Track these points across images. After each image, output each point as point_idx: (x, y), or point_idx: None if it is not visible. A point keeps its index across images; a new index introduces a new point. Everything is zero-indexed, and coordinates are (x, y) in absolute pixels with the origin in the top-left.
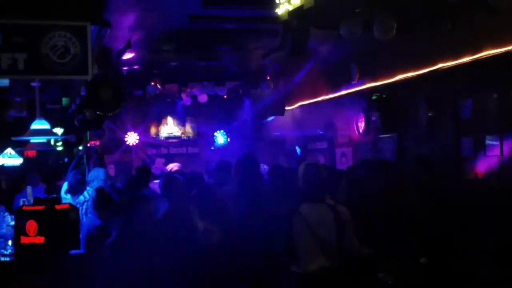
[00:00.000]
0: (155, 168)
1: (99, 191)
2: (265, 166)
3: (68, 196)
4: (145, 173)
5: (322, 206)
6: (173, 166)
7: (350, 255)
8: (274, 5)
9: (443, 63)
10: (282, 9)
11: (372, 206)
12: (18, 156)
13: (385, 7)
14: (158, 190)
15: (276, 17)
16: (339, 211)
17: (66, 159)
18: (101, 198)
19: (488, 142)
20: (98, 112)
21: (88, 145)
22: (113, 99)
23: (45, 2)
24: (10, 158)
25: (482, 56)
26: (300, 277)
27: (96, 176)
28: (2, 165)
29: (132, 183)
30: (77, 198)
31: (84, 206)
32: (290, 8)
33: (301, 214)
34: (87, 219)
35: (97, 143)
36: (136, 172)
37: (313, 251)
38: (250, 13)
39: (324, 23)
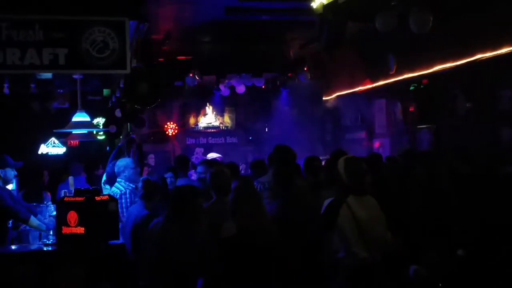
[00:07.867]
0: (195, 158)
1: (145, 181)
2: None
3: (107, 186)
4: (183, 162)
5: (369, 198)
6: (212, 156)
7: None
8: None
9: (482, 54)
10: (317, 3)
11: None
12: (62, 145)
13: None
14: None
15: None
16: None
17: (107, 148)
18: (148, 188)
19: None
20: (135, 106)
21: (128, 135)
22: (151, 92)
23: None
24: (54, 147)
25: None
26: (346, 269)
27: (125, 166)
28: (47, 153)
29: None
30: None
31: (123, 200)
32: (325, 1)
33: (349, 207)
34: (133, 207)
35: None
36: (175, 161)
37: (359, 243)
38: (286, 5)
39: (360, 16)
